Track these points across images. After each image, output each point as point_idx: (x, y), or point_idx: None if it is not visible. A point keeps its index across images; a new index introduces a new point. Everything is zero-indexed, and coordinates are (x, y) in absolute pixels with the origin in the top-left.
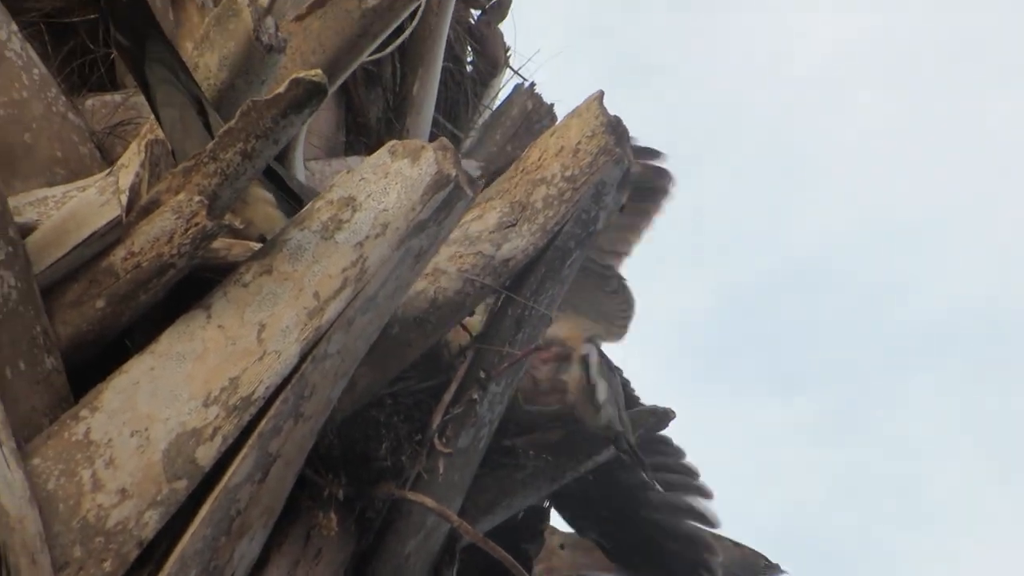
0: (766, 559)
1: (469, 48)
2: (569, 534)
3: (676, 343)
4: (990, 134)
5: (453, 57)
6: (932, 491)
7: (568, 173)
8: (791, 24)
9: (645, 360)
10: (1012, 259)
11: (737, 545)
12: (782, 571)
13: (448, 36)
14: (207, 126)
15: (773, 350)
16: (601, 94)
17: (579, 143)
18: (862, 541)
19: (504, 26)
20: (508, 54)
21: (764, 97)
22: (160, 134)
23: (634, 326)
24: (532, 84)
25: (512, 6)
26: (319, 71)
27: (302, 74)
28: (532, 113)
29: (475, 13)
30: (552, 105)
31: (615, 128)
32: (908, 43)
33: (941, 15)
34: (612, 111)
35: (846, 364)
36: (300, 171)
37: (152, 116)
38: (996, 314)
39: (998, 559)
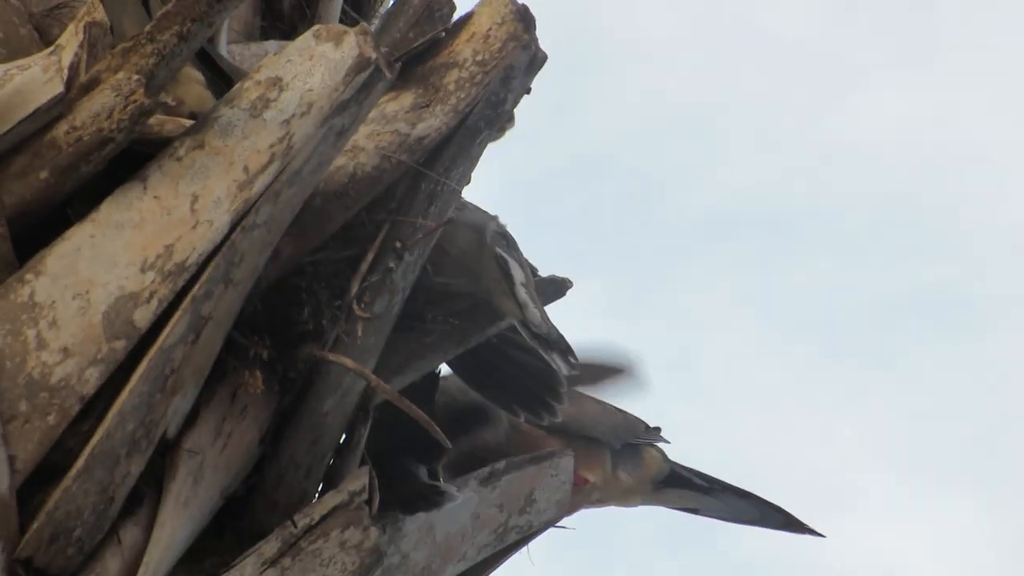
0: (646, 423)
1: None
2: None
3: None
4: (771, 38)
5: None
6: (709, 362)
7: (479, 58)
8: None
9: None
10: (787, 150)
11: (619, 410)
12: (660, 435)
13: None
14: (148, 10)
15: (559, 238)
16: None
17: (489, 30)
18: (640, 411)
19: None
20: None
21: None
22: (97, 17)
23: None
24: None
25: None
26: None
27: None
28: (434, 5)
29: None
30: None
31: (523, 16)
32: None
33: None
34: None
35: (629, 249)
36: (223, 52)
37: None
38: (773, 200)
39: (770, 422)
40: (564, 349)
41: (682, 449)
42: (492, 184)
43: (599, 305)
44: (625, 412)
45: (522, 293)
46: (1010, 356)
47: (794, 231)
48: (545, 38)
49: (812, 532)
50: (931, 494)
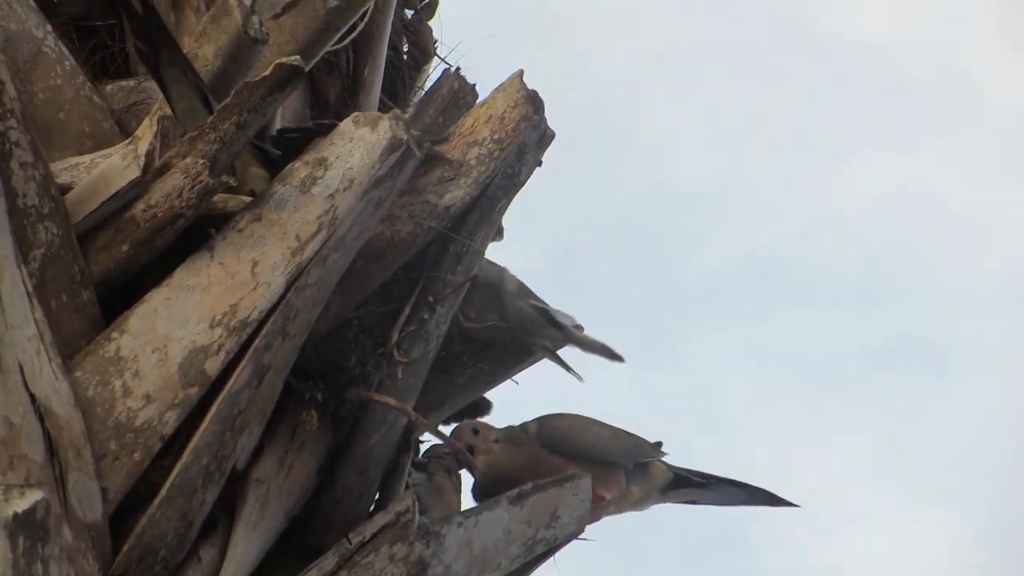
0: (650, 443)
1: (405, 40)
2: (503, 430)
3: None
4: (760, 120)
5: (393, 48)
6: (722, 400)
7: (496, 136)
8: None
9: None
10: (782, 219)
11: (629, 434)
12: (662, 449)
13: (389, 31)
14: (209, 111)
15: (589, 298)
16: (521, 72)
17: (504, 112)
18: (670, 445)
19: (433, 23)
20: (436, 45)
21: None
22: (168, 111)
23: None
24: (458, 69)
25: (439, 6)
26: (298, 57)
27: (284, 60)
28: (458, 92)
29: (409, 13)
30: (474, 85)
31: (533, 100)
32: (697, 46)
33: (708, 14)
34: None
35: (649, 307)
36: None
37: (161, 96)
38: (770, 262)
39: (780, 450)
40: (609, 351)
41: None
42: (533, 253)
43: (631, 353)
44: (634, 436)
45: (560, 318)
46: (977, 392)
47: (790, 288)
48: (564, 127)
49: (789, 504)
50: (917, 507)
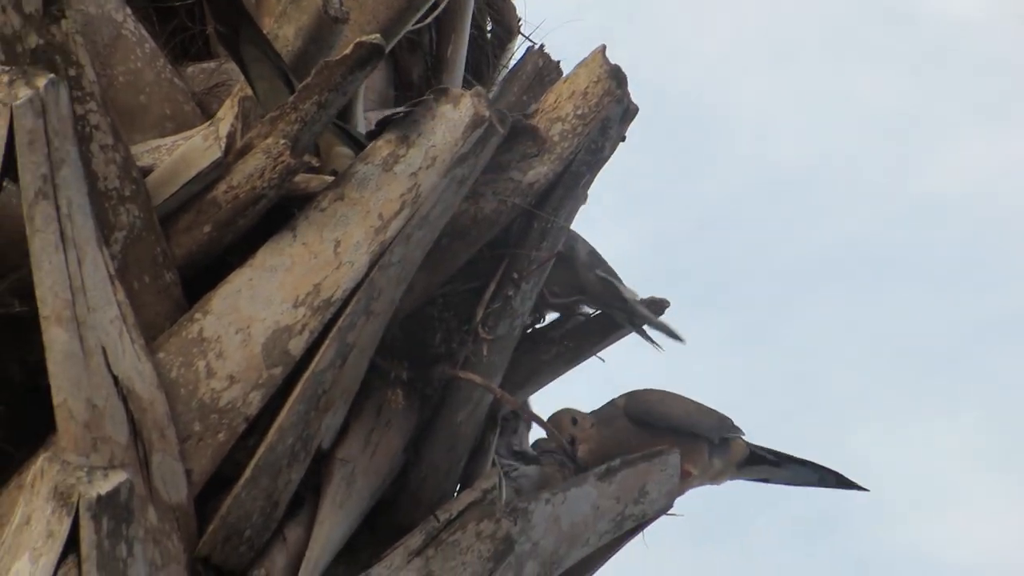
0: (731, 420)
1: (489, 18)
2: (596, 412)
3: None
4: (856, 102)
5: (476, 26)
6: (824, 383)
7: (579, 112)
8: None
9: None
10: (877, 202)
11: (712, 410)
12: (739, 428)
13: (472, 9)
14: (291, 91)
15: (694, 283)
16: (604, 47)
17: (587, 88)
18: (771, 428)
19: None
20: (520, 23)
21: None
22: (248, 92)
23: None
24: (541, 46)
25: None
26: (378, 35)
27: (364, 38)
28: (543, 69)
29: None
30: (558, 62)
31: (616, 74)
32: (790, 29)
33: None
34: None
35: (751, 291)
36: (360, 119)
37: (242, 78)
38: (871, 245)
39: (880, 430)
40: (671, 331)
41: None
42: (632, 239)
43: (729, 337)
44: (717, 411)
45: (624, 292)
46: None
47: (891, 270)
48: (656, 111)
49: (859, 488)
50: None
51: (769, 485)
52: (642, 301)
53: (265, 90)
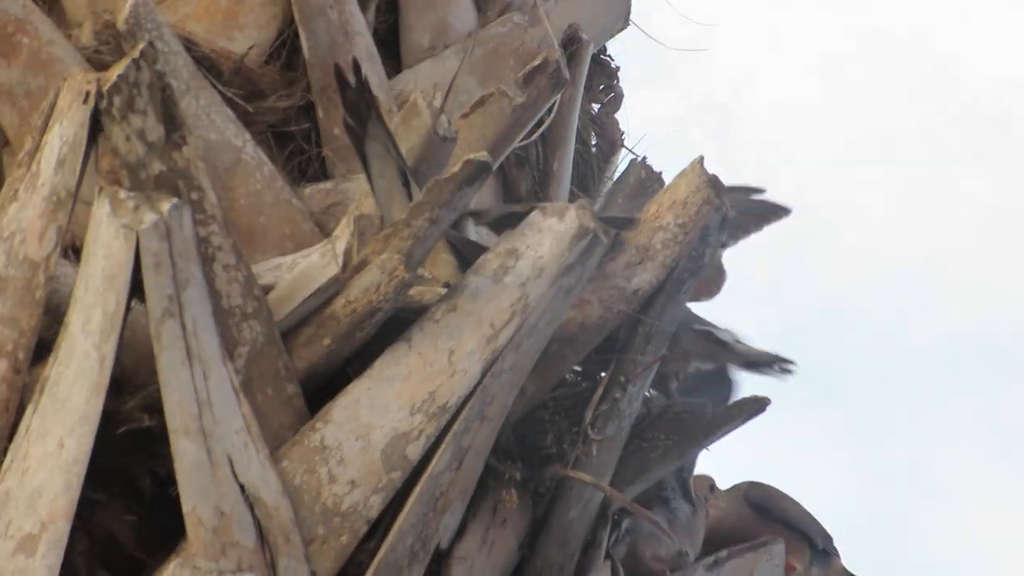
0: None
1: (593, 133)
2: (725, 491)
3: None
4: (963, 200)
5: (581, 141)
6: (943, 470)
7: (680, 221)
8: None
9: None
10: (998, 294)
11: (817, 520)
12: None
13: (576, 125)
14: (409, 192)
15: (807, 375)
16: (702, 158)
17: (687, 197)
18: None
19: (619, 115)
20: (623, 136)
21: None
22: (364, 210)
23: None
24: (644, 158)
25: (624, 100)
26: (485, 152)
27: (471, 156)
28: (645, 180)
29: (595, 107)
30: (660, 173)
31: (714, 184)
32: (898, 130)
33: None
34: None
35: (865, 382)
36: (472, 232)
37: (358, 196)
38: (984, 334)
39: (1005, 524)
40: (779, 358)
41: (928, 551)
42: (752, 329)
43: (853, 428)
44: (822, 524)
45: (722, 335)
46: None
47: (1007, 360)
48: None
49: None
50: None
51: None
52: (747, 399)
53: (383, 189)
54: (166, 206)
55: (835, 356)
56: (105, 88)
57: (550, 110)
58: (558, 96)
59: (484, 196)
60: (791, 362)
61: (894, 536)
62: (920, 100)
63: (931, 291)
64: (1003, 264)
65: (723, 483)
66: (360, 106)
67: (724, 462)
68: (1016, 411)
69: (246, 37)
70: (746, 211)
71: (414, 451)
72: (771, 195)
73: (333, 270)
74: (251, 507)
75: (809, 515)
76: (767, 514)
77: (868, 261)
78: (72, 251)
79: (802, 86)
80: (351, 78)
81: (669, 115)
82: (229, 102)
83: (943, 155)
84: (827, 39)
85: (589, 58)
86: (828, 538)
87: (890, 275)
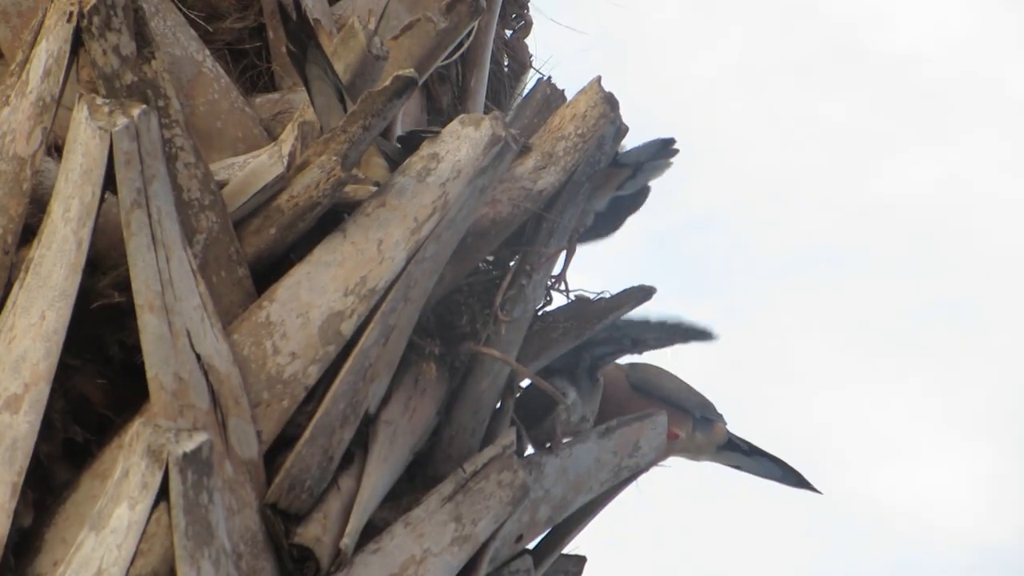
0: (714, 406)
1: (505, 55)
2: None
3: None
4: (821, 124)
5: (495, 62)
6: (798, 362)
7: (579, 131)
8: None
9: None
10: (840, 206)
11: (699, 393)
12: (723, 416)
13: (491, 48)
14: (344, 107)
15: (682, 276)
16: (599, 78)
17: (586, 111)
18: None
19: (529, 40)
20: (531, 58)
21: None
22: (307, 117)
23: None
24: (549, 78)
25: (533, 26)
26: (412, 70)
27: (400, 72)
28: (550, 97)
29: (508, 32)
30: (563, 91)
31: (609, 100)
32: (763, 64)
33: (775, 38)
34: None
35: (735, 282)
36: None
37: (301, 106)
38: (832, 242)
39: (841, 398)
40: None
41: (775, 424)
42: (630, 239)
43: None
44: (705, 396)
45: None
46: (1014, 344)
47: (847, 263)
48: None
49: (814, 490)
50: (960, 442)
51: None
52: (633, 288)
53: (323, 105)
54: (136, 111)
55: (705, 258)
56: (86, 9)
57: (469, 34)
58: (476, 22)
59: (410, 107)
60: (672, 139)
61: (754, 412)
62: (786, 36)
63: (788, 203)
64: (851, 181)
65: None
66: (301, 36)
67: None
68: (855, 307)
69: None
70: (671, 333)
71: (347, 328)
72: (696, 320)
73: (279, 169)
74: (206, 374)
75: (687, 388)
76: (648, 394)
77: (736, 175)
78: (55, 149)
79: (686, 23)
80: (293, 13)
81: (571, 41)
82: (192, 23)
83: (804, 84)
84: None
85: None
86: (707, 406)
87: (755, 188)
